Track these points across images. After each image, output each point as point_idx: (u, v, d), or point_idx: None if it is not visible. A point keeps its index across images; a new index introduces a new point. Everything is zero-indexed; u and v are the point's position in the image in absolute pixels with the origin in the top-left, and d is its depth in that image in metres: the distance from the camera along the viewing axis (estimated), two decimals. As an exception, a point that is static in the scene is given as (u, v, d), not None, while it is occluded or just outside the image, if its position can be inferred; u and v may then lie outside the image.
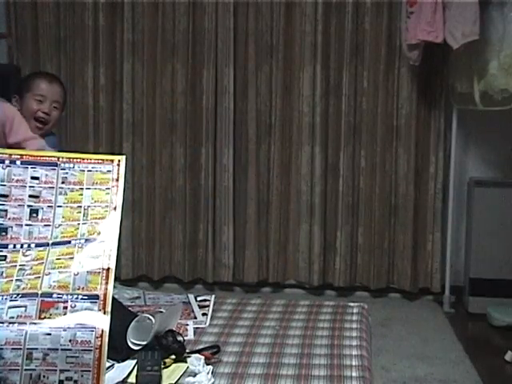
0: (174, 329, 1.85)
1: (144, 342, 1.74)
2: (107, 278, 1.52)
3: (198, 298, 2.31)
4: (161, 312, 2.06)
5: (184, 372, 1.70)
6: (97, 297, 1.49)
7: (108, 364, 1.71)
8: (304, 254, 4.14)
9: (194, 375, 1.68)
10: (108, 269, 1.52)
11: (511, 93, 3.58)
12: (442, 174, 4.06)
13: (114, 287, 2.43)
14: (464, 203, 4.09)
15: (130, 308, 2.02)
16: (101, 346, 1.46)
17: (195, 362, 1.72)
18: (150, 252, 4.24)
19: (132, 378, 1.64)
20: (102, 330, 1.46)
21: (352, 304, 2.30)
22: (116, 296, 2.09)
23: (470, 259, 3.94)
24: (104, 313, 1.48)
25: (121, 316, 1.83)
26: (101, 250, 1.53)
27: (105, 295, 1.50)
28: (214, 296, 2.34)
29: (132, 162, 4.17)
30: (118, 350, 1.74)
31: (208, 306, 2.22)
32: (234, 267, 4.20)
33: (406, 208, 4.08)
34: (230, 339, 1.96)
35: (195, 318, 2.11)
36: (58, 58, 4.17)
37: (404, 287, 4.11)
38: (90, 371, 1.45)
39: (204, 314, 2.14)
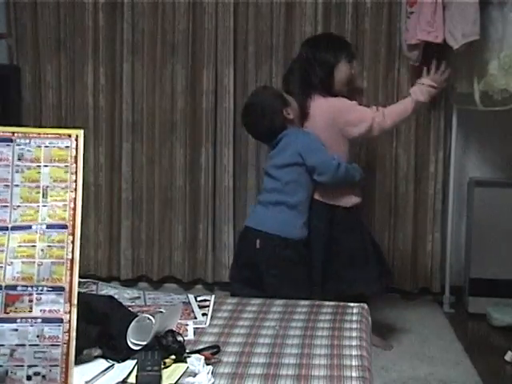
0: (174, 329, 1.85)
1: (144, 342, 1.74)
2: (71, 268, 1.48)
3: (198, 298, 2.31)
4: (161, 312, 2.06)
5: (184, 372, 1.70)
6: (62, 289, 1.47)
7: (108, 364, 1.71)
8: (304, 254, 4.14)
9: (194, 375, 1.67)
10: (72, 259, 1.49)
11: (511, 93, 3.58)
12: (441, 173, 4.06)
13: (114, 287, 2.44)
14: (464, 203, 4.09)
15: (129, 308, 2.02)
16: (69, 340, 1.45)
17: (195, 362, 1.72)
18: (149, 252, 4.24)
19: (132, 378, 1.64)
20: (70, 325, 1.45)
21: (352, 304, 2.30)
22: (116, 296, 2.09)
23: (470, 259, 3.94)
24: (70, 305, 1.46)
25: (121, 316, 1.83)
26: (64, 237, 1.49)
27: (70, 287, 1.47)
28: (213, 296, 2.34)
29: (132, 161, 4.18)
30: (118, 350, 1.74)
31: (208, 306, 2.22)
32: (234, 267, 4.19)
33: (405, 208, 4.08)
34: (230, 339, 1.96)
35: (195, 318, 2.11)
36: (58, 58, 4.17)
37: (404, 287, 4.11)
38: (58, 366, 1.44)
39: (204, 314, 2.14)
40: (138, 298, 2.32)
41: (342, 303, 2.32)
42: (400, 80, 4.01)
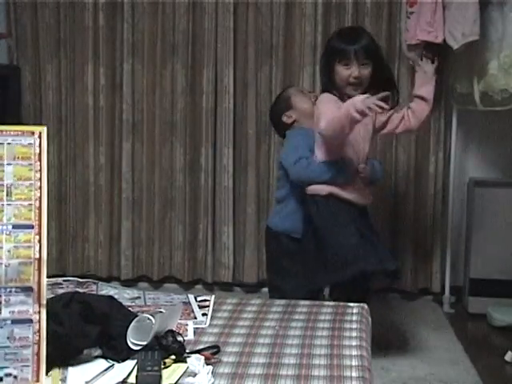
0: (173, 329, 1.85)
1: (144, 342, 1.74)
2: (39, 268, 1.47)
3: (198, 298, 2.31)
4: (161, 312, 2.06)
5: (184, 372, 1.70)
6: (31, 289, 1.45)
7: (108, 364, 1.71)
8: (304, 254, 4.14)
9: (194, 375, 1.67)
10: (39, 258, 1.47)
11: (511, 93, 3.58)
12: (442, 174, 4.06)
13: (114, 287, 2.44)
14: (464, 203, 4.09)
15: (129, 308, 2.02)
16: (39, 340, 1.44)
17: (195, 362, 1.72)
18: (149, 252, 4.24)
19: (132, 378, 1.64)
20: (39, 325, 1.44)
21: (352, 304, 2.30)
22: (116, 296, 2.09)
23: (470, 259, 3.94)
24: (39, 305, 1.45)
25: (121, 316, 1.83)
26: (30, 237, 1.48)
27: (39, 287, 1.46)
28: (213, 296, 2.34)
29: (132, 161, 4.18)
30: (118, 350, 1.74)
31: (208, 306, 2.22)
32: (234, 267, 4.20)
33: (405, 208, 4.08)
34: (230, 339, 1.96)
35: (195, 318, 2.11)
36: (58, 58, 4.17)
37: (404, 287, 4.12)
38: (29, 366, 1.44)
39: (204, 314, 2.14)
40: (138, 297, 2.32)
41: (342, 303, 2.32)
42: (400, 80, 4.01)
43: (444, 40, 3.57)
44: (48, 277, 1.49)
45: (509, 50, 3.53)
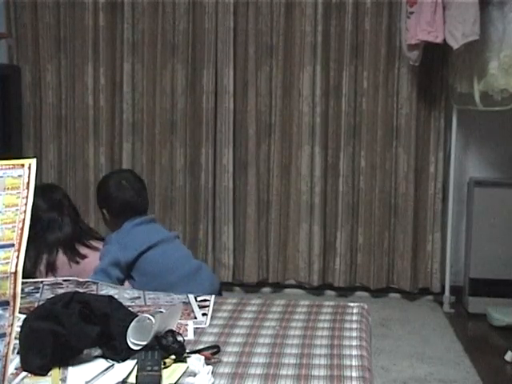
0: (173, 329, 1.84)
1: (144, 342, 1.74)
2: (15, 281, 1.48)
3: (198, 298, 2.31)
4: (161, 312, 2.06)
5: (184, 372, 1.70)
6: (7, 303, 1.45)
7: (108, 364, 1.71)
8: (304, 254, 4.14)
9: (194, 375, 1.67)
10: (15, 272, 1.48)
11: (511, 93, 3.59)
12: (441, 173, 4.07)
13: (114, 287, 2.44)
14: (464, 203, 4.09)
15: (130, 308, 2.01)
16: (7, 353, 1.43)
17: (195, 361, 1.72)
18: (150, 252, 4.23)
19: (132, 378, 1.63)
20: (10, 337, 1.43)
21: (352, 304, 2.30)
22: (116, 296, 2.09)
23: (469, 259, 3.94)
24: (13, 318, 1.45)
25: (121, 316, 1.83)
26: (9, 254, 1.48)
27: (14, 299, 1.46)
28: (213, 296, 2.34)
29: (132, 161, 4.18)
30: (118, 350, 1.74)
31: (208, 306, 2.22)
32: (234, 267, 4.20)
33: (406, 208, 4.08)
34: (230, 339, 1.96)
35: (195, 318, 2.11)
36: (57, 58, 4.18)
37: (404, 287, 4.12)
38: None
39: (204, 314, 2.14)
40: (138, 297, 2.32)
41: (341, 303, 2.32)
42: (400, 80, 4.02)
43: (444, 40, 3.57)
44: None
45: (509, 50, 3.53)
